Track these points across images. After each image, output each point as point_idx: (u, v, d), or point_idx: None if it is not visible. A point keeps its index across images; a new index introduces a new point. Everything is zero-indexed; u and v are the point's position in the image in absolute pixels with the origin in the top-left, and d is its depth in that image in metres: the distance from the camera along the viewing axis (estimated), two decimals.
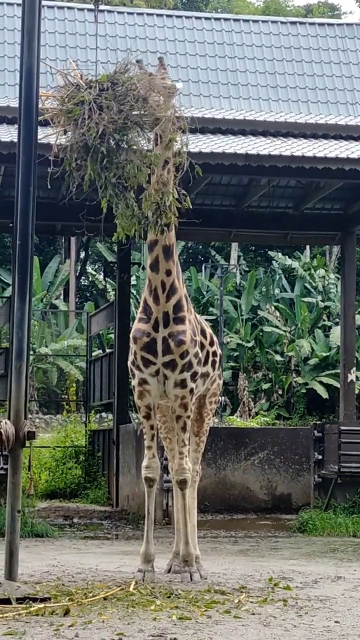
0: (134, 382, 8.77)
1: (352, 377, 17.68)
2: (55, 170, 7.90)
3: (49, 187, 8.15)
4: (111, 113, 7.71)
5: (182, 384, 8.61)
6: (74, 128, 7.81)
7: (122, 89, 7.84)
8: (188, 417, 8.72)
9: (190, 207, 8.04)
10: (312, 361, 32.65)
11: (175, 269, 8.57)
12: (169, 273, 8.51)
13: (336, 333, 30.24)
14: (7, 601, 7.06)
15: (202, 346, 8.99)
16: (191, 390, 8.67)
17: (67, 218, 17.03)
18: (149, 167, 7.91)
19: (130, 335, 8.75)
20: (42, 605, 6.99)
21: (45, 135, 8.14)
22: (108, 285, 36.60)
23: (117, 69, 8.03)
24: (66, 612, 6.81)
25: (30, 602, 7.08)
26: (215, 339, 9.43)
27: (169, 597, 7.58)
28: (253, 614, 7.00)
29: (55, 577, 8.68)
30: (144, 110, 7.88)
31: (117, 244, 18.37)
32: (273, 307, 34.72)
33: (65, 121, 7.99)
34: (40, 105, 8.02)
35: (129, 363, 8.82)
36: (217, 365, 9.35)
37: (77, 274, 41.67)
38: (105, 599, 7.39)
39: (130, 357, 8.76)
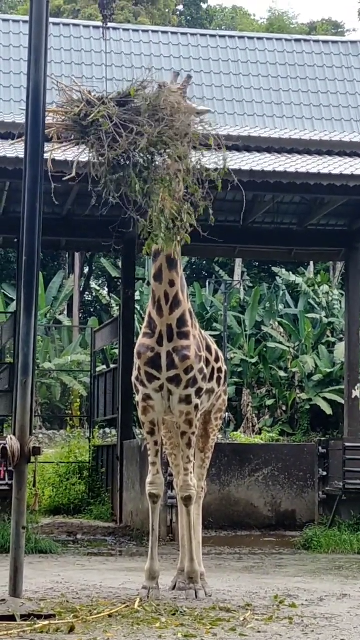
0: (138, 398, 8.74)
1: (356, 393, 17.64)
2: (87, 186, 7.93)
3: (56, 202, 8.15)
4: (144, 128, 7.74)
5: (187, 399, 8.58)
6: (99, 144, 7.82)
7: (146, 105, 7.87)
8: (193, 433, 8.69)
9: (213, 221, 8.09)
10: (316, 377, 32.60)
11: (179, 281, 8.55)
12: (172, 284, 8.50)
13: (340, 349, 30.20)
14: (11, 618, 7.03)
15: (208, 362, 8.96)
16: (196, 407, 8.64)
17: (71, 233, 17.12)
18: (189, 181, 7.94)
19: (134, 351, 8.74)
20: (46, 622, 6.95)
21: (53, 149, 8.15)
22: (112, 301, 36.63)
23: (136, 86, 8.05)
24: (71, 630, 6.77)
25: (35, 619, 7.05)
26: (220, 354, 9.40)
27: (174, 614, 7.54)
28: (259, 632, 6.96)
29: (59, 593, 8.64)
30: (173, 126, 7.92)
31: (122, 259, 18.40)
32: (277, 323, 34.70)
33: (78, 137, 8.00)
34: (49, 121, 8.06)
35: (133, 378, 8.80)
36: (222, 381, 9.33)
37: (81, 289, 41.71)
38: (110, 616, 7.36)
39: (135, 373, 8.74)
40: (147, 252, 8.23)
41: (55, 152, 8.26)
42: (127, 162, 7.80)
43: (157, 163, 7.87)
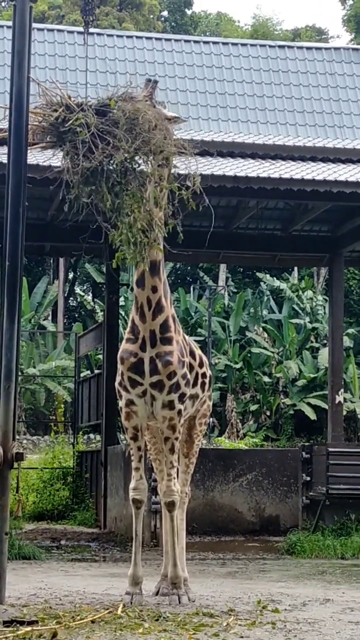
0: (121, 403, 8.73)
1: (339, 398, 17.70)
2: (54, 190, 7.90)
3: (47, 209, 8.15)
4: (117, 141, 7.70)
5: (170, 405, 8.58)
6: (73, 151, 7.79)
7: (125, 116, 7.83)
8: (176, 438, 8.69)
9: (181, 230, 8.05)
10: (300, 382, 32.69)
11: (161, 287, 8.53)
12: (154, 290, 8.49)
13: (324, 354, 30.31)
14: None
15: (191, 367, 8.96)
16: (179, 412, 8.64)
17: (56, 239, 17.10)
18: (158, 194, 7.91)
19: (118, 356, 8.74)
20: (29, 628, 6.93)
21: (30, 149, 8.12)
22: (96, 306, 36.63)
23: (118, 96, 8.02)
24: (54, 636, 6.75)
25: (18, 625, 7.02)
26: (205, 360, 9.40)
27: (157, 620, 7.53)
28: (241, 637, 6.96)
29: (42, 599, 8.61)
30: (149, 142, 7.89)
31: (105, 265, 18.39)
32: (261, 329, 34.79)
33: (53, 140, 7.98)
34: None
35: (116, 384, 8.79)
36: (206, 386, 9.33)
37: (66, 294, 41.68)
38: (93, 622, 7.34)
39: (118, 378, 8.73)
40: (116, 265, 8.18)
41: (34, 156, 8.24)
42: (101, 175, 7.76)
43: (129, 178, 7.83)
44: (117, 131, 7.78)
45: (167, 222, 7.98)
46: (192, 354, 9.03)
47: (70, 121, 7.81)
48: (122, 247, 7.85)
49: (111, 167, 7.73)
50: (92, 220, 8.10)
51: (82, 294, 41.16)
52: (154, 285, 8.46)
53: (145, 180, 7.88)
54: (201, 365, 9.21)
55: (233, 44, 19.52)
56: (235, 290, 38.77)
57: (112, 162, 7.71)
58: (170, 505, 8.69)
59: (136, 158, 7.80)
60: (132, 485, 8.73)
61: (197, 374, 9.11)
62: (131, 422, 8.66)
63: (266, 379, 33.43)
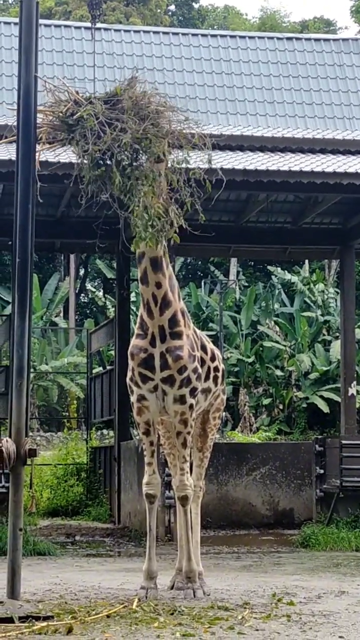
0: (133, 399, 8.74)
1: (352, 391, 17.66)
2: (64, 187, 7.93)
3: (41, 200, 8.15)
4: (127, 125, 7.74)
5: (182, 399, 8.58)
6: (84, 141, 7.82)
7: (131, 103, 7.87)
8: (188, 433, 8.69)
9: (203, 219, 8.05)
10: (313, 375, 32.62)
11: (166, 281, 8.49)
12: (159, 285, 8.46)
13: (336, 347, 30.23)
14: (9, 620, 7.02)
15: (203, 362, 8.96)
16: (191, 406, 8.64)
17: (66, 235, 17.11)
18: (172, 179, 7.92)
19: (128, 352, 8.74)
20: (44, 623, 6.95)
21: (42, 149, 8.15)
22: (108, 302, 36.62)
23: (123, 85, 8.06)
24: (69, 631, 6.77)
25: (33, 620, 7.05)
26: (217, 353, 9.38)
27: (172, 614, 7.54)
28: (257, 630, 6.97)
29: (57, 595, 8.64)
30: (157, 123, 7.92)
31: (116, 260, 18.40)
32: (273, 322, 34.72)
33: (64, 136, 8.01)
34: (38, 122, 8.06)
35: (127, 379, 8.79)
36: (219, 380, 9.32)
37: (77, 291, 41.71)
38: (108, 616, 7.36)
39: (129, 374, 8.74)
40: (134, 250, 8.21)
41: (44, 153, 8.26)
42: (111, 160, 7.80)
43: (140, 161, 7.86)
44: (125, 116, 7.81)
45: (184, 203, 7.95)
46: (203, 348, 9.02)
47: (79, 113, 7.84)
48: (138, 229, 7.85)
49: (120, 151, 7.75)
50: (104, 215, 8.10)
51: (93, 290, 41.17)
52: (157, 281, 8.43)
53: (156, 162, 7.90)
54: (213, 359, 9.20)
55: (241, 37, 19.47)
56: (246, 284, 38.70)
57: (120, 145, 7.73)
58: (184, 500, 8.70)
59: (145, 140, 7.82)
60: (145, 480, 8.74)
61: (209, 367, 9.10)
62: (143, 417, 8.66)
63: (278, 372, 33.37)
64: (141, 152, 7.84)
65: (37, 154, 8.04)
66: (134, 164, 7.82)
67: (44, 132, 8.09)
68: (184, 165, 7.96)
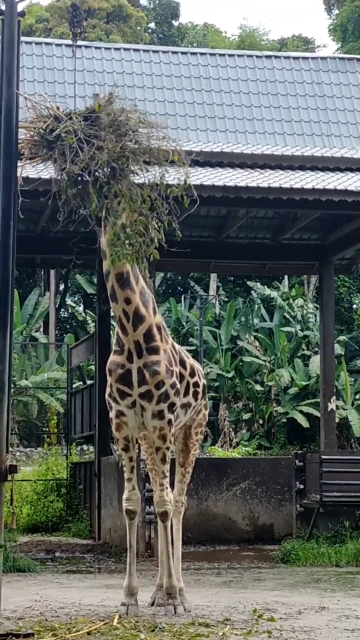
0: (112, 415, 8.73)
1: (332, 406, 17.74)
2: (44, 202, 7.91)
3: (22, 216, 8.15)
4: (105, 143, 7.75)
5: (160, 415, 8.58)
6: (62, 158, 7.83)
7: (109, 120, 7.88)
8: (167, 448, 8.68)
9: (180, 237, 8.06)
10: (292, 390, 32.71)
11: (136, 297, 8.43)
12: (127, 301, 8.43)
13: (315, 362, 30.35)
14: None
15: (182, 377, 8.97)
16: (169, 422, 8.64)
17: (46, 251, 17.13)
18: (148, 196, 7.90)
19: (106, 368, 8.74)
20: None
21: (23, 164, 8.16)
22: (88, 317, 36.61)
23: (102, 101, 8.07)
24: None
25: (13, 638, 7.02)
26: (197, 368, 9.39)
27: (153, 630, 7.54)
28: None
29: (38, 612, 8.61)
30: (136, 140, 7.94)
31: (96, 275, 18.41)
32: (252, 337, 34.82)
33: (45, 152, 8.02)
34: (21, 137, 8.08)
35: (106, 395, 8.79)
36: (199, 395, 9.33)
37: (57, 306, 41.66)
38: (89, 633, 7.34)
39: (107, 390, 8.74)
40: (111, 264, 8.17)
41: (25, 169, 8.27)
42: (88, 178, 7.80)
43: (118, 178, 7.86)
44: (102, 133, 7.83)
45: (163, 220, 7.94)
46: (182, 363, 9.03)
47: (58, 129, 7.86)
48: (115, 248, 7.85)
49: (97, 169, 7.75)
50: (82, 231, 8.11)
51: (74, 305, 41.13)
52: (126, 297, 8.41)
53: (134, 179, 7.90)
54: (192, 374, 9.21)
55: (220, 54, 19.61)
56: (226, 299, 38.82)
57: (97, 163, 7.74)
58: (163, 516, 8.70)
59: (123, 158, 7.83)
60: (125, 496, 8.73)
61: (188, 383, 9.11)
62: (122, 433, 8.67)
63: (258, 387, 33.44)
64: (118, 169, 7.84)
65: (19, 169, 8.06)
66: (111, 182, 7.82)
67: (25, 148, 8.11)
68: (161, 182, 7.97)
